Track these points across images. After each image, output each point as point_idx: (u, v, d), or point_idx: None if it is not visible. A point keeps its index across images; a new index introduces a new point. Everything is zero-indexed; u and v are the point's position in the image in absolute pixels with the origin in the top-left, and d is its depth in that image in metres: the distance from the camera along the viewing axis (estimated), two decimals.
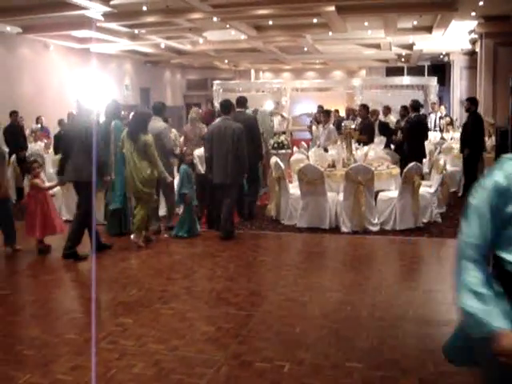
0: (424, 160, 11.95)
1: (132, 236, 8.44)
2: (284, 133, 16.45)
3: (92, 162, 7.46)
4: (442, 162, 9.77)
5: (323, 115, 13.57)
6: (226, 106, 9.06)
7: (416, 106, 11.74)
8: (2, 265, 7.83)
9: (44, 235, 8.13)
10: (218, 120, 9.20)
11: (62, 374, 4.30)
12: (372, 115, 13.31)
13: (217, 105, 21.03)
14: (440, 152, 12.29)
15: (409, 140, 11.41)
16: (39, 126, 16.70)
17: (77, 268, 7.49)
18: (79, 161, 7.58)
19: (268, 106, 18.80)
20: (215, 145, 8.69)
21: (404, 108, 12.67)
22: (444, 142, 14.52)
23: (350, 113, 15.97)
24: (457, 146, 13.26)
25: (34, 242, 8.21)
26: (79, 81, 20.81)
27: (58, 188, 9.39)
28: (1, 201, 7.98)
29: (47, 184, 8.69)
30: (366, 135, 11.61)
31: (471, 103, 12.13)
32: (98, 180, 8.01)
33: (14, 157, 12.91)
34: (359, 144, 10.83)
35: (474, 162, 11.50)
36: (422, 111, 16.31)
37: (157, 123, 8.91)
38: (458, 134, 14.63)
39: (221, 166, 8.64)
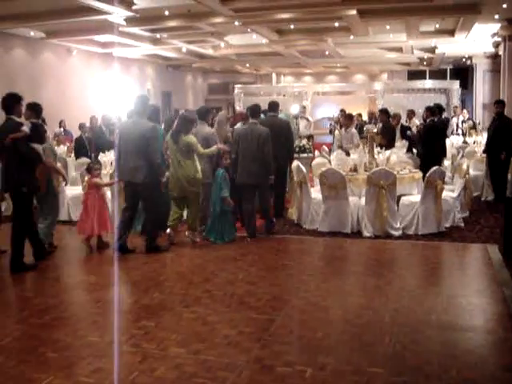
0: (446, 164, 11.88)
1: (187, 233, 8.80)
2: (311, 136, 16.58)
3: (147, 163, 7.92)
4: (464, 166, 9.69)
5: (345, 119, 13.53)
6: (255, 111, 9.37)
7: (433, 110, 11.66)
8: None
9: (99, 232, 8.47)
10: (239, 124, 9.81)
11: (84, 376, 4.32)
12: (393, 119, 13.24)
13: (238, 108, 21.12)
14: (463, 156, 12.18)
15: (424, 144, 11.35)
16: (62, 129, 16.86)
17: (100, 270, 7.54)
18: (135, 162, 7.92)
19: (294, 109, 18.87)
20: (241, 147, 9.00)
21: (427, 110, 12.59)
22: (467, 145, 14.38)
23: (373, 117, 15.91)
24: (479, 149, 13.16)
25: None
26: (101, 85, 20.97)
27: None
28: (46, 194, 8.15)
29: (106, 182, 9.11)
30: (386, 139, 11.55)
31: (502, 105, 12.02)
32: (155, 181, 8.11)
33: None
34: (381, 148, 10.78)
35: (503, 166, 11.32)
36: (445, 115, 16.23)
37: (204, 128, 9.24)
38: (480, 138, 14.52)
39: (245, 168, 8.96)
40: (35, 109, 8.04)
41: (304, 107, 19.14)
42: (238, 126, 10.04)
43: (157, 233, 8.46)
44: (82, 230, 8.46)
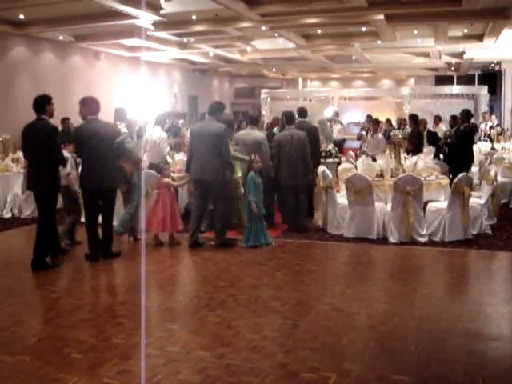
0: (473, 170, 11.77)
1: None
2: (343, 140, 16.64)
3: (216, 162, 8.41)
4: (492, 173, 9.60)
5: (372, 124, 13.48)
6: (291, 117, 10.12)
7: (466, 115, 11.58)
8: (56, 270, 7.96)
9: (170, 231, 8.84)
10: (275, 129, 11.53)
11: (108, 378, 4.34)
12: (420, 125, 13.16)
13: (264, 113, 21.20)
14: (491, 162, 12.07)
15: (457, 150, 11.27)
16: None
17: (125, 273, 7.58)
18: (207, 161, 8.41)
19: (327, 112, 19.02)
20: (283, 151, 9.64)
21: (453, 118, 12.50)
22: (495, 152, 14.24)
23: (402, 122, 15.82)
24: (508, 156, 13.01)
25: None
26: (128, 89, 21.12)
27: None
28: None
29: (177, 182, 9.28)
30: (413, 145, 11.49)
31: None
32: (225, 178, 8.63)
33: None
34: (408, 154, 10.71)
35: None
36: (472, 121, 16.09)
37: (256, 133, 9.79)
38: (509, 144, 14.37)
39: (290, 169, 9.61)
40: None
41: (337, 112, 19.27)
42: (275, 130, 11.15)
43: (225, 229, 8.87)
44: (154, 227, 8.79)
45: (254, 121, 9.97)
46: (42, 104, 7.68)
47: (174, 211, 8.86)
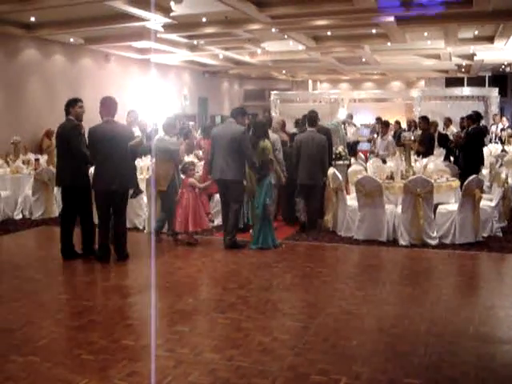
0: (484, 172, 11.72)
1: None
2: (357, 142, 16.72)
3: (237, 163, 8.67)
4: (503, 175, 9.56)
5: (382, 126, 13.46)
6: (313, 120, 10.38)
7: (474, 118, 11.55)
8: (65, 271, 7.98)
9: (194, 229, 9.02)
10: (297, 130, 11.72)
11: (118, 379, 4.35)
12: (431, 127, 13.12)
13: (274, 115, 21.20)
14: (501, 165, 12.02)
15: (465, 153, 11.24)
16: None
17: (134, 275, 7.60)
18: (226, 162, 8.65)
19: (341, 114, 19.14)
20: (303, 152, 9.92)
21: (463, 119, 12.47)
22: (505, 154, 14.17)
23: (412, 124, 15.78)
24: None
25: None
26: (139, 91, 21.17)
27: None
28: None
29: (202, 184, 9.41)
30: (425, 147, 11.46)
31: None
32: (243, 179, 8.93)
33: None
34: (418, 156, 10.69)
35: None
36: (483, 123, 16.02)
37: (272, 136, 9.95)
38: None
39: (309, 170, 9.88)
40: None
41: (351, 114, 19.35)
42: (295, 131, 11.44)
43: (237, 229, 8.99)
44: (177, 226, 9.03)
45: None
46: (67, 106, 8.29)
47: (199, 210, 9.02)
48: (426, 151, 11.45)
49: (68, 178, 8.08)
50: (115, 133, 7.98)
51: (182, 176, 9.34)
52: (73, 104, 8.28)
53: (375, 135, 15.98)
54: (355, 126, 19.41)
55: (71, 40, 17.24)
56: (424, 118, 13.20)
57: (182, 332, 5.34)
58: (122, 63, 20.86)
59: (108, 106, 8.18)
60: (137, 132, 8.79)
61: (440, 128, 14.70)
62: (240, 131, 8.72)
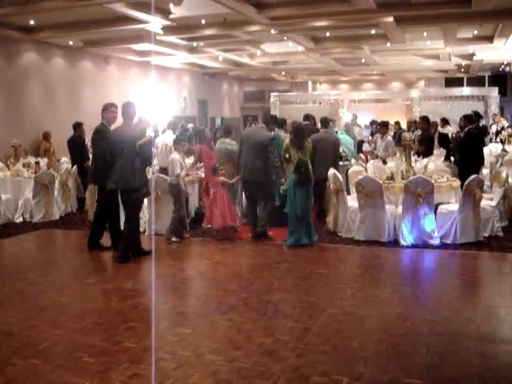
0: (484, 172, 11.70)
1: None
2: (363, 142, 16.90)
3: (260, 165, 9.20)
4: (503, 175, 9.54)
5: (380, 127, 13.45)
6: (326, 121, 11.49)
7: (472, 118, 11.55)
8: (66, 273, 7.98)
9: (227, 224, 9.54)
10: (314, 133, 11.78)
11: (120, 381, 4.35)
12: (431, 127, 13.11)
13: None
14: (502, 164, 12.01)
15: (462, 152, 11.23)
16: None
17: (136, 277, 7.59)
18: (254, 164, 9.20)
19: (347, 117, 19.43)
20: (318, 150, 10.54)
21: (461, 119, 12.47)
22: (506, 153, 14.16)
23: (412, 125, 15.79)
24: None
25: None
26: (138, 93, 21.19)
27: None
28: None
29: (232, 180, 9.95)
30: (425, 147, 11.45)
31: None
32: (269, 180, 9.49)
33: (75, 168, 13.18)
34: (418, 156, 10.68)
35: None
36: (483, 122, 16.00)
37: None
38: None
39: (324, 166, 10.28)
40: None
41: (356, 115, 19.59)
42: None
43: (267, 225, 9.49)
44: (215, 223, 9.52)
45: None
46: (102, 111, 8.84)
47: (231, 206, 9.70)
48: (425, 151, 11.43)
49: (100, 178, 8.51)
50: (126, 135, 8.20)
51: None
52: (104, 109, 8.80)
53: (370, 137, 16.07)
54: (360, 126, 19.55)
55: (71, 43, 17.25)
56: (424, 118, 13.18)
57: (183, 334, 5.34)
58: (122, 66, 20.87)
59: (124, 108, 8.45)
60: (151, 133, 8.95)
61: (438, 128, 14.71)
62: (269, 137, 9.35)
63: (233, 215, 9.67)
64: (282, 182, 10.16)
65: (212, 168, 9.76)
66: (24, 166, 12.79)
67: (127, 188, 8.18)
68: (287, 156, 9.34)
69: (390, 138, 13.16)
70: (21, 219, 11.79)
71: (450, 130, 14.95)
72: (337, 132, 13.72)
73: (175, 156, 9.39)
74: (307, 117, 12.76)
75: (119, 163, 8.11)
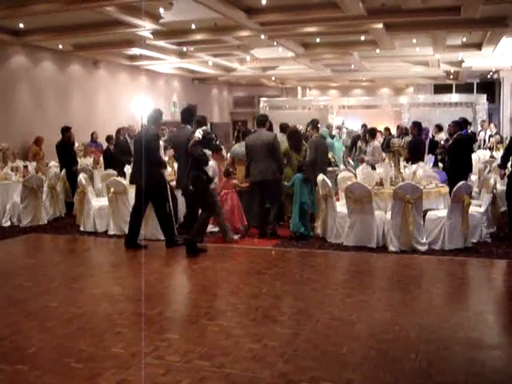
0: (473, 178, 11.74)
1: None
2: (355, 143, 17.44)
3: (272, 164, 9.81)
4: (492, 181, 9.58)
5: (368, 134, 13.50)
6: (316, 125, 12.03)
7: (460, 124, 11.59)
8: (53, 278, 7.93)
9: (242, 225, 10.19)
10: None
11: None
12: (422, 133, 13.14)
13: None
14: (490, 171, 12.06)
15: (451, 159, 11.27)
16: (90, 141, 16.94)
17: (125, 282, 7.55)
18: (264, 164, 9.79)
19: (337, 121, 19.91)
20: (319, 152, 11.15)
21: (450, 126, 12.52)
22: (494, 160, 14.23)
23: (402, 131, 15.85)
24: (509, 164, 12.99)
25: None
26: (128, 97, 21.15)
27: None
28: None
29: (243, 184, 10.49)
30: (416, 152, 11.48)
31: None
32: (279, 178, 10.06)
33: (64, 172, 13.13)
34: (407, 162, 10.71)
35: None
36: (471, 129, 16.07)
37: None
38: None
39: (322, 167, 11.10)
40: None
41: (343, 120, 19.89)
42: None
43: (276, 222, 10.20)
44: (233, 223, 10.02)
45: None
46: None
47: (240, 208, 10.21)
48: (415, 157, 11.44)
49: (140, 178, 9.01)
50: (179, 138, 9.35)
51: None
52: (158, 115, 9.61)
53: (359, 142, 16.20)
54: (347, 129, 19.66)
55: (60, 47, 17.22)
56: (415, 124, 13.17)
57: (171, 339, 5.31)
58: (111, 70, 20.85)
59: (182, 113, 9.59)
60: (198, 134, 8.93)
61: (430, 135, 14.77)
62: (272, 136, 10.01)
63: (241, 216, 10.17)
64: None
65: (225, 171, 10.38)
66: (12, 169, 12.73)
67: (156, 184, 9.10)
68: (285, 162, 10.35)
69: (377, 143, 13.20)
70: (9, 223, 11.73)
71: (443, 137, 15.01)
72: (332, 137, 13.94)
73: (212, 163, 9.52)
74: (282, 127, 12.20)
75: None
